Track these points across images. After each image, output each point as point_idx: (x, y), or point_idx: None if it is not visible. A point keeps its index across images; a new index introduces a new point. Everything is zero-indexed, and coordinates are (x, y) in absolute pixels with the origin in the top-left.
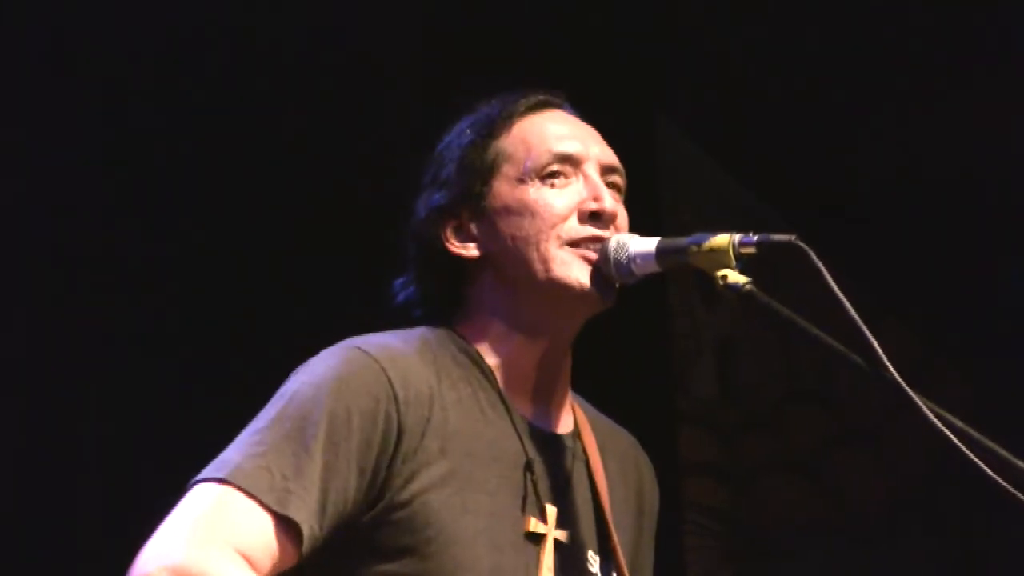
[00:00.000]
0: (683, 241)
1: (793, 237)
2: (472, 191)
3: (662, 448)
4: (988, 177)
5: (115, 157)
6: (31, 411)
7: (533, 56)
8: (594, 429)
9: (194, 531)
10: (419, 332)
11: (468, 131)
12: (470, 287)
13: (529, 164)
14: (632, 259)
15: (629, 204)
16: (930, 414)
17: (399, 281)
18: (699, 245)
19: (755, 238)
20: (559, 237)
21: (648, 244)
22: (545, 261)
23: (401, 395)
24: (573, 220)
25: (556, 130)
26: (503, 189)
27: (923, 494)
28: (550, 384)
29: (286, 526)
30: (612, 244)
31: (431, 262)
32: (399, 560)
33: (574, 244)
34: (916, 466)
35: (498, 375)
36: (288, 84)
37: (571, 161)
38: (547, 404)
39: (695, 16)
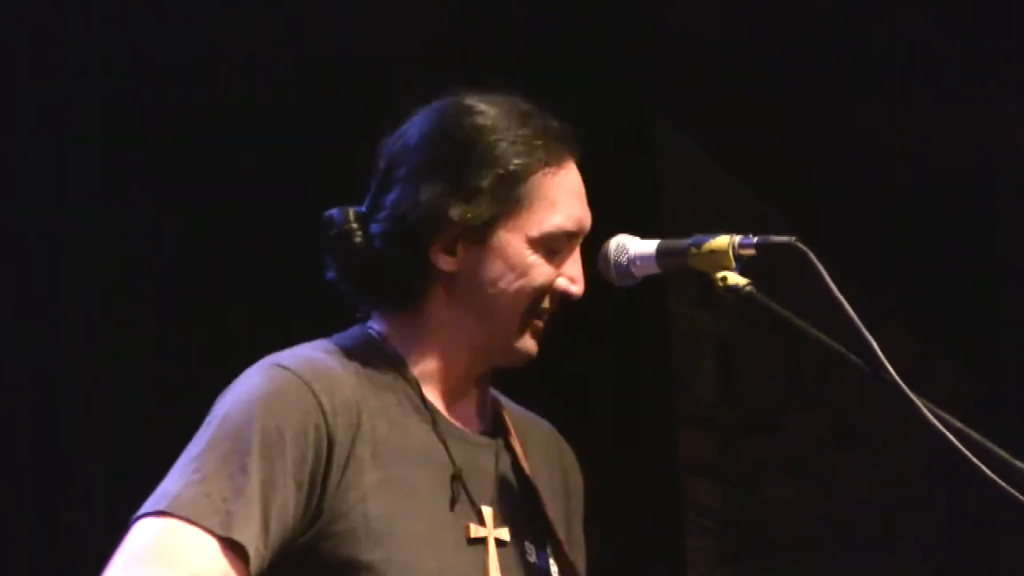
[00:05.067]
0: (683, 243)
1: (792, 238)
2: (482, 218)
3: (662, 448)
4: (988, 176)
5: (114, 157)
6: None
7: (533, 57)
8: (513, 421)
9: (145, 566)
10: (340, 341)
11: (498, 146)
12: (424, 293)
13: (543, 230)
14: (632, 261)
15: (630, 204)
16: (929, 415)
17: (335, 213)
18: (699, 247)
19: (754, 239)
20: (530, 306)
21: (648, 246)
22: (508, 325)
23: (328, 407)
24: (546, 296)
25: (573, 204)
26: (508, 235)
27: (923, 494)
28: (472, 387)
29: (233, 549)
30: (612, 246)
31: (404, 255)
32: (345, 571)
33: (538, 315)
34: (916, 466)
35: (422, 382)
36: (289, 82)
37: (573, 237)
38: (470, 405)
39: (695, 16)
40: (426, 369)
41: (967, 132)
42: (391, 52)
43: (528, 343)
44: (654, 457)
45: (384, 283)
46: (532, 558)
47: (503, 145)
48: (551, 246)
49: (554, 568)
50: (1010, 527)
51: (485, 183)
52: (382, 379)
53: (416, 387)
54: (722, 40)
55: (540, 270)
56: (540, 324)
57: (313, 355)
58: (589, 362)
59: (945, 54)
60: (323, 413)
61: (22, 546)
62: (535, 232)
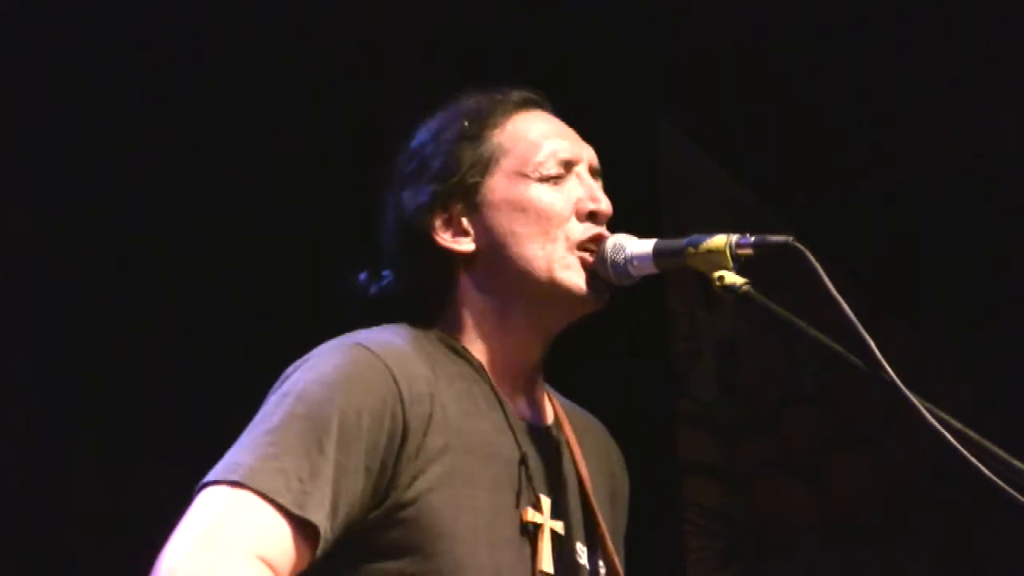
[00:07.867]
0: (680, 242)
1: (790, 238)
2: (467, 184)
3: (662, 448)
4: (988, 176)
5: (113, 157)
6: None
7: (532, 54)
8: (568, 418)
9: (214, 538)
10: (409, 328)
11: (458, 123)
12: (456, 283)
13: (529, 161)
14: (629, 260)
15: (629, 204)
16: (927, 415)
17: (364, 276)
18: (696, 246)
19: (752, 239)
20: (567, 239)
21: (645, 245)
22: (549, 261)
23: (406, 394)
24: (574, 221)
25: (551, 130)
26: (501, 184)
27: (923, 494)
28: (534, 377)
29: (304, 529)
30: (609, 245)
31: (420, 256)
32: (402, 559)
33: (580, 246)
34: (916, 466)
35: (488, 370)
36: (286, 76)
37: (567, 162)
38: (532, 397)
39: (695, 15)
40: (487, 356)
41: (968, 132)
42: (389, 52)
43: (573, 275)
44: (654, 457)
45: (414, 292)
46: (583, 559)
47: (468, 120)
48: (547, 175)
49: (603, 570)
50: (1010, 527)
51: (459, 156)
52: (452, 367)
53: (485, 376)
54: (722, 40)
55: (550, 197)
56: (588, 258)
57: (392, 340)
58: (588, 362)
59: (946, 54)
60: (401, 400)
61: (22, 545)
62: (524, 167)
